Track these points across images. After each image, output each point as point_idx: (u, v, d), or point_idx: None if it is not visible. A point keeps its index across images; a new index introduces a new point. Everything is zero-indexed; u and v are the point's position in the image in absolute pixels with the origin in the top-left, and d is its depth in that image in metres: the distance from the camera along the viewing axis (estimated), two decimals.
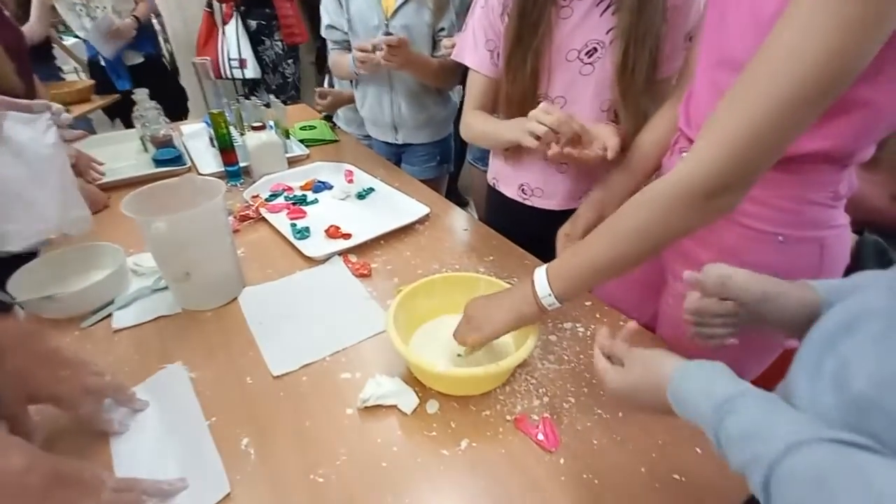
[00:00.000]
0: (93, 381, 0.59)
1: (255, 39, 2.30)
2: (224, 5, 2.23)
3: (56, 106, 0.77)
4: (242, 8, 2.24)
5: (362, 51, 1.21)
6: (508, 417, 0.62)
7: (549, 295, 0.58)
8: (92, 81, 2.34)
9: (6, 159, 0.70)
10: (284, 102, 1.59)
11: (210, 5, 2.28)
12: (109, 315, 0.79)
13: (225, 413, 0.62)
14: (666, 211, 0.51)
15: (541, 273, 0.59)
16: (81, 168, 1.20)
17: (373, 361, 0.70)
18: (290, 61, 2.44)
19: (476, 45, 0.92)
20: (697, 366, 0.42)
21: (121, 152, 1.41)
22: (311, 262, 0.93)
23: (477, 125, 0.96)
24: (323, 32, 1.46)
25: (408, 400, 0.63)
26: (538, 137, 0.76)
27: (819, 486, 0.28)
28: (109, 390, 0.60)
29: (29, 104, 0.74)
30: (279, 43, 2.36)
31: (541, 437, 0.58)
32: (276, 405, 0.63)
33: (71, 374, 0.58)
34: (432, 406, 0.63)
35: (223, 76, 2.34)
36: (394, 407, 0.62)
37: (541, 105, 0.78)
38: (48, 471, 0.41)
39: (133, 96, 1.37)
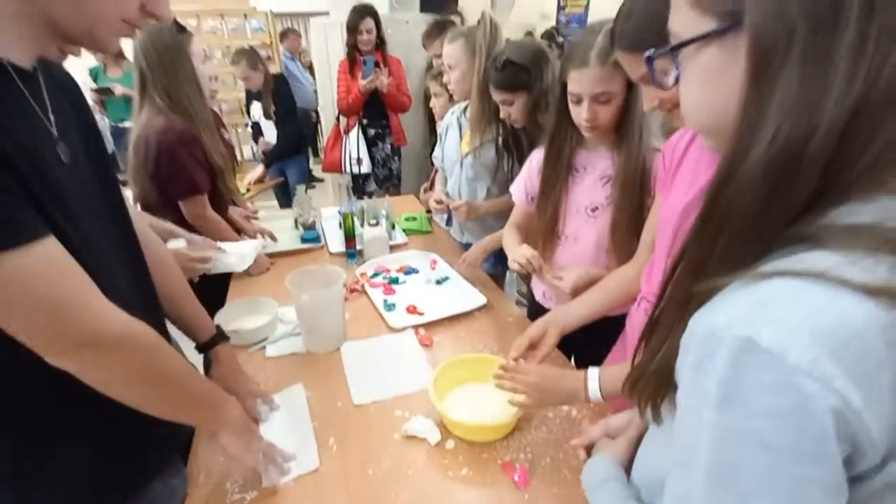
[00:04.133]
0: (254, 387, 1.00)
1: (371, 142, 3.06)
2: (349, 119, 3.02)
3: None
4: (365, 120, 3.02)
5: (437, 202, 1.68)
6: (499, 461, 0.90)
7: (599, 397, 0.84)
8: (262, 169, 3.14)
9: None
10: (388, 190, 2.09)
11: (338, 118, 3.11)
12: (264, 347, 1.23)
13: (322, 420, 0.99)
14: None
15: (594, 381, 0.84)
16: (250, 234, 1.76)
17: (418, 406, 1.03)
18: (395, 158, 3.20)
19: (521, 188, 1.32)
20: (599, 456, 0.66)
21: (280, 227, 1.98)
22: (392, 329, 1.31)
23: (508, 239, 1.33)
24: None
25: (434, 436, 0.94)
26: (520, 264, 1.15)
27: None
28: (261, 394, 1.01)
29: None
30: (389, 146, 3.12)
31: (517, 478, 0.85)
32: (353, 422, 0.99)
33: (245, 380, 0.99)
34: (450, 444, 0.94)
35: (343, 171, 3.08)
36: (424, 439, 0.94)
37: (524, 246, 1.17)
38: (246, 419, 0.80)
39: (294, 191, 1.95)
